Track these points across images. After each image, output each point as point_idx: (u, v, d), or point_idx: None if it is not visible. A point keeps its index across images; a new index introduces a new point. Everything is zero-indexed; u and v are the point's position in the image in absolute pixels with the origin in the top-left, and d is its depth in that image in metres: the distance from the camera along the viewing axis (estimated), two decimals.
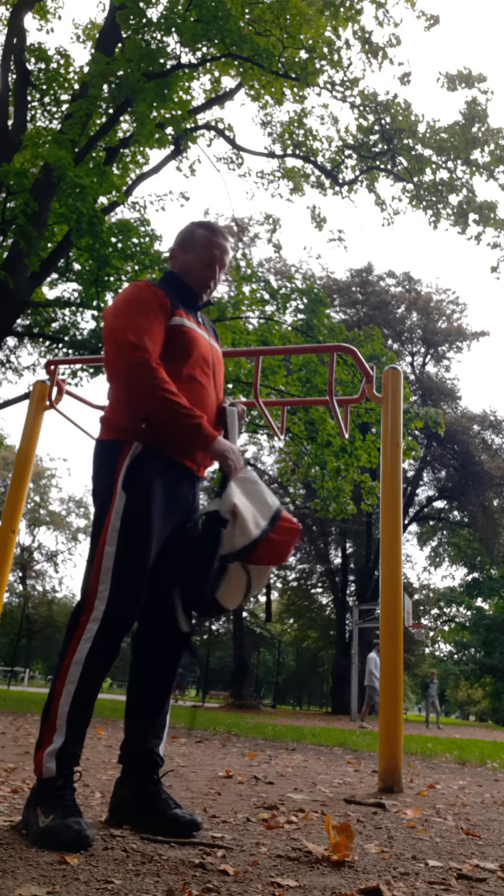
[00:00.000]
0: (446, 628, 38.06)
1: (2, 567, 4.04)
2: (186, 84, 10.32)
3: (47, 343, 11.99)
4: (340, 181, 12.01)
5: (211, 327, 2.24)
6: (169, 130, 9.26)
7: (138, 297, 1.97)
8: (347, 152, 11.88)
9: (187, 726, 6.76)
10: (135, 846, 1.65)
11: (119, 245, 8.87)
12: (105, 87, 8.22)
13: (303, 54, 9.76)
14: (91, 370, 10.34)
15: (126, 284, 9.12)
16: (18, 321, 10.53)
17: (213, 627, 31.11)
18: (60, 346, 11.03)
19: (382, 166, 11.71)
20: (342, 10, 9.76)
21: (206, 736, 6.10)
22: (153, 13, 8.73)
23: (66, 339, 10.69)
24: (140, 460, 1.91)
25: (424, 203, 11.43)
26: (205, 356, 2.07)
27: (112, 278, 9.28)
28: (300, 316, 10.93)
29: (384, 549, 3.32)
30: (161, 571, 1.98)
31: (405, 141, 11.11)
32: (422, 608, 35.05)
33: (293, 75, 9.75)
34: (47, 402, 4.30)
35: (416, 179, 11.32)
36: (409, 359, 27.07)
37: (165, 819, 1.82)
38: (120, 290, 2.07)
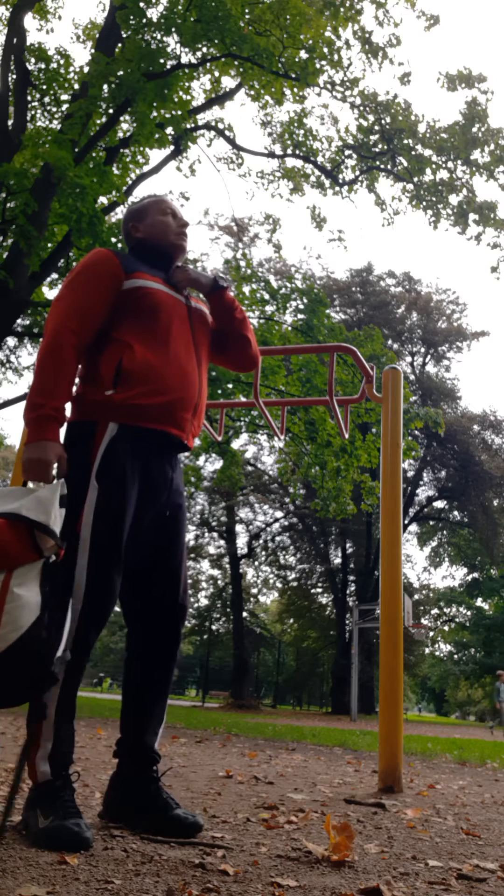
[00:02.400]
0: (446, 628, 38.08)
1: None
2: (186, 84, 10.30)
3: None
4: (340, 181, 12.00)
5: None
6: (169, 130, 9.24)
7: (87, 263, 1.94)
8: (347, 152, 11.87)
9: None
10: (135, 846, 1.65)
11: (119, 245, 8.85)
12: (105, 87, 8.21)
13: (303, 54, 9.74)
14: None
15: None
16: (18, 321, 10.52)
17: (213, 627, 31.06)
18: None
19: (382, 166, 11.70)
20: (342, 10, 9.75)
21: (207, 736, 6.10)
22: (153, 13, 8.73)
23: None
24: (115, 446, 1.82)
25: (424, 203, 11.43)
26: (179, 316, 2.01)
27: None
28: (300, 316, 10.91)
29: (384, 549, 3.32)
30: (144, 560, 1.95)
31: (405, 141, 11.10)
32: (422, 608, 35.04)
33: (293, 75, 9.74)
34: None
35: (416, 179, 11.31)
36: (409, 359, 27.09)
37: (168, 820, 1.82)
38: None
